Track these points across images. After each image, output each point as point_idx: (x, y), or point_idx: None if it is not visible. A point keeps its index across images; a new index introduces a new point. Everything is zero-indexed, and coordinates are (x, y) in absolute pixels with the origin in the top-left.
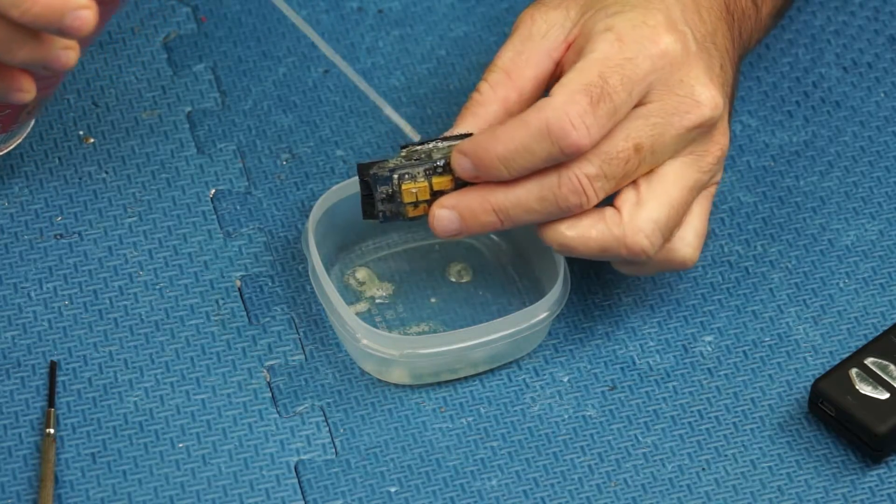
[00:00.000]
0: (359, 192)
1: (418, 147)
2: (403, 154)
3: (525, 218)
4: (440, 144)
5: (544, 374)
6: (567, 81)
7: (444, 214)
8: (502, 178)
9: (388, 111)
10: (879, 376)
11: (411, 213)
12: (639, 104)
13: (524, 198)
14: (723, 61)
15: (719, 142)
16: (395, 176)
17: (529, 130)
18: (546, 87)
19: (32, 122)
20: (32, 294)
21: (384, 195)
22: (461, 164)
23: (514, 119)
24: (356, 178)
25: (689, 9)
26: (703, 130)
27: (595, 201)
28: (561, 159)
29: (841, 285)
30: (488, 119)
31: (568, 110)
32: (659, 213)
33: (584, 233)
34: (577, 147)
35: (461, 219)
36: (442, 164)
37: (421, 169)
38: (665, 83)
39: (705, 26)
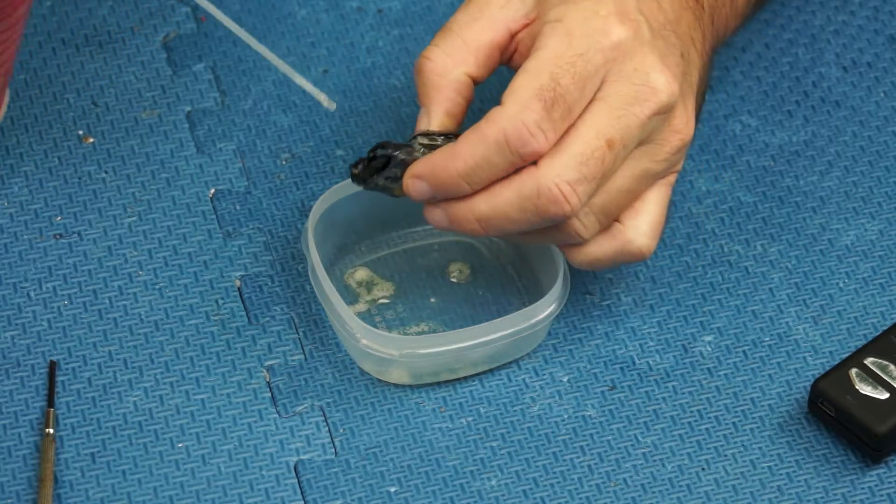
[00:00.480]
0: (358, 193)
1: (438, 138)
2: (425, 142)
3: (509, 228)
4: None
5: (544, 374)
6: (518, 87)
7: (435, 212)
8: (463, 193)
9: (299, 79)
10: (879, 376)
11: (398, 193)
12: (596, 98)
13: (505, 207)
14: (685, 50)
15: (679, 131)
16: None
17: (488, 144)
18: (502, 62)
19: (7, 97)
20: (32, 294)
21: (391, 176)
22: (416, 188)
23: (469, 133)
24: None
25: None
26: (661, 118)
27: (580, 206)
28: (522, 164)
29: (841, 285)
30: (456, 89)
31: (524, 119)
32: (596, 196)
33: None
34: (536, 154)
35: (449, 221)
36: None
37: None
38: (619, 74)
39: (664, 14)
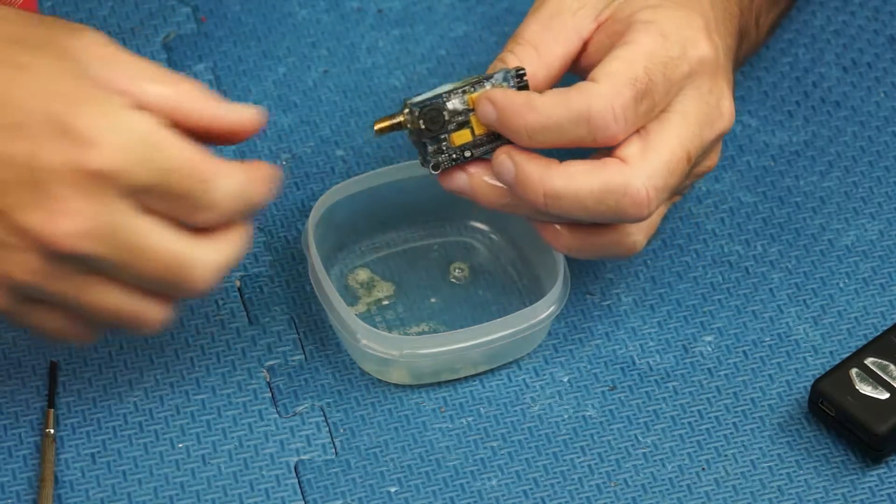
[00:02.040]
0: (358, 193)
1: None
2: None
3: (574, 213)
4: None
5: (544, 374)
6: (613, 71)
7: (505, 163)
8: (519, 142)
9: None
10: (879, 376)
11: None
12: (676, 109)
13: (582, 193)
14: (733, 78)
15: (713, 159)
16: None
17: (569, 112)
18: (570, 66)
19: None
20: None
21: (438, 148)
22: (486, 111)
23: (554, 94)
24: (356, 178)
25: (719, 21)
26: (717, 142)
27: (650, 215)
28: (586, 145)
29: (841, 285)
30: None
31: (613, 101)
32: (665, 195)
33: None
34: (612, 139)
35: (515, 181)
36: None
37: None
38: (698, 90)
39: (725, 42)
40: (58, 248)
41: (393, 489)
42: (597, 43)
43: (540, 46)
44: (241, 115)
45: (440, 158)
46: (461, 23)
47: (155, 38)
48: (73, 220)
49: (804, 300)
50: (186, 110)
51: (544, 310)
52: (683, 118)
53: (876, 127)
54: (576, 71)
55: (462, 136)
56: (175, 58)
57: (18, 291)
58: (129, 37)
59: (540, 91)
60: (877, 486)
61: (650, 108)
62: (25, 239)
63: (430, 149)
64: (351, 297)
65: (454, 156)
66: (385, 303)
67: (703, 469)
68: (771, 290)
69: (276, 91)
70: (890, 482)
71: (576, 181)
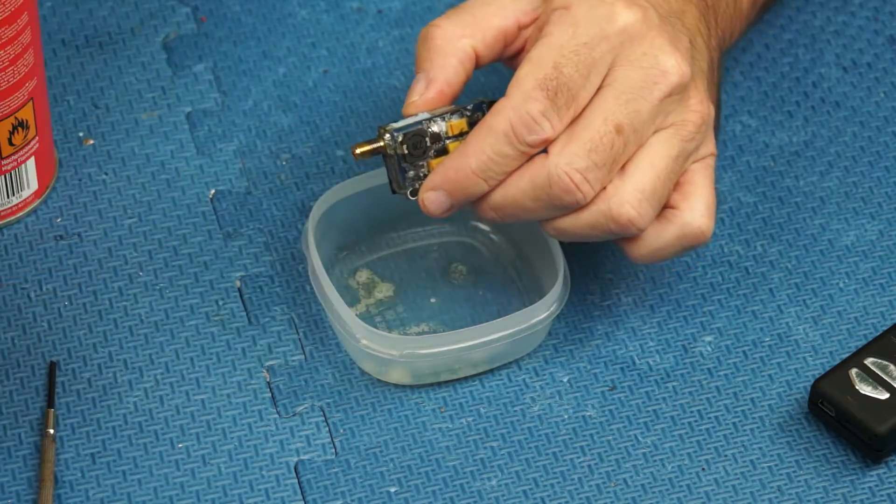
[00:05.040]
0: (359, 193)
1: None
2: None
3: (524, 216)
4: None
5: (544, 375)
6: (523, 77)
7: (437, 199)
8: (482, 192)
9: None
10: (879, 376)
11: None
12: (605, 84)
13: (519, 197)
14: (692, 38)
15: (696, 109)
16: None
17: (497, 136)
18: (505, 53)
19: None
20: (32, 295)
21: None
22: (434, 201)
23: (477, 129)
24: (356, 178)
25: None
26: (676, 98)
27: (592, 193)
28: (533, 153)
29: (841, 285)
30: (461, 59)
31: (528, 108)
32: (643, 182)
33: (573, 212)
34: (544, 142)
35: (454, 209)
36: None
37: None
38: (627, 58)
39: (669, 5)
40: None
41: (393, 489)
42: (533, 38)
43: (477, 14)
44: None
45: (418, 185)
46: None
47: (155, 38)
48: None
49: (804, 300)
50: None
51: (544, 310)
52: (611, 91)
53: (876, 127)
54: (514, 68)
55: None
56: (175, 58)
57: None
58: (130, 38)
59: (479, 58)
60: (877, 486)
61: (570, 98)
62: None
63: (410, 174)
64: (351, 298)
65: None
66: (385, 303)
67: (703, 469)
68: (771, 290)
69: (276, 91)
70: (890, 482)
71: (509, 188)
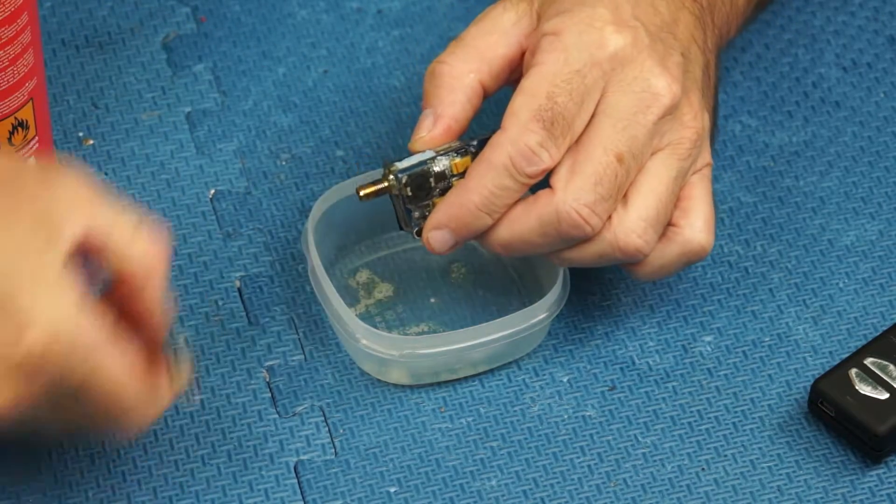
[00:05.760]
0: (355, 195)
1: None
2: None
3: (532, 251)
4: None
5: (544, 375)
6: (517, 109)
7: (442, 237)
8: (486, 227)
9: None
10: (879, 376)
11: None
12: (599, 111)
13: (526, 234)
14: (684, 50)
15: (691, 125)
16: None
17: (497, 170)
18: (511, 78)
19: None
20: None
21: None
22: (440, 239)
23: (475, 165)
24: (356, 178)
25: (641, 0)
26: (669, 119)
27: (601, 225)
28: (534, 183)
29: (841, 285)
30: (468, 95)
31: (526, 140)
32: (646, 210)
33: (579, 244)
34: (544, 171)
35: (456, 246)
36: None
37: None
38: (619, 84)
39: (661, 17)
40: None
41: (393, 489)
42: (526, 62)
43: (481, 46)
44: None
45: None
46: (461, 23)
47: (155, 38)
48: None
49: (804, 300)
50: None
51: (544, 310)
52: (607, 119)
53: (876, 127)
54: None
55: None
56: (175, 58)
57: None
58: (129, 37)
59: (486, 91)
60: (876, 486)
61: (566, 127)
62: None
63: (416, 215)
64: (351, 298)
65: None
66: (385, 303)
67: (703, 469)
68: (770, 290)
69: (276, 91)
70: (890, 482)
71: (516, 225)
